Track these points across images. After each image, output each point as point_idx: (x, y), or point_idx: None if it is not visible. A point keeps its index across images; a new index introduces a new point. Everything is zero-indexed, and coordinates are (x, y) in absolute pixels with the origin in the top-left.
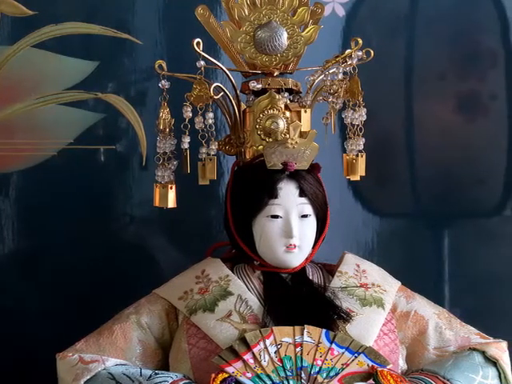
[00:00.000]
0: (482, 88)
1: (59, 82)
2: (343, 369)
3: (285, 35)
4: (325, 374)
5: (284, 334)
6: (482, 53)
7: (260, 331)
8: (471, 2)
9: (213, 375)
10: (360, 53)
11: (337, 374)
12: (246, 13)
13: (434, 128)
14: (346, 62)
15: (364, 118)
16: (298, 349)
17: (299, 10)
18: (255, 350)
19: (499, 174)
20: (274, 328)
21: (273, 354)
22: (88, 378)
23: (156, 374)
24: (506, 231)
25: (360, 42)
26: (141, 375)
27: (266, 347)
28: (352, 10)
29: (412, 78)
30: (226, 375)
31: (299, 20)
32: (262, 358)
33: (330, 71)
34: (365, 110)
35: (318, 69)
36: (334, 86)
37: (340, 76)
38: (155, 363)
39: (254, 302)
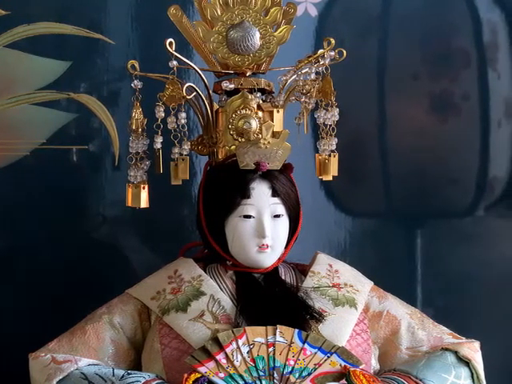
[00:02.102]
0: (455, 88)
1: (31, 82)
2: (316, 369)
3: (257, 35)
4: (297, 374)
5: (256, 334)
6: (454, 53)
7: (232, 331)
8: (444, 2)
9: (185, 375)
10: (332, 53)
11: (309, 374)
12: (219, 13)
13: (407, 128)
14: (319, 61)
15: (337, 117)
16: (270, 349)
17: (272, 10)
18: (228, 349)
19: (472, 175)
20: (246, 328)
21: (245, 354)
22: (60, 377)
23: (129, 373)
24: (479, 231)
25: (332, 41)
26: (113, 375)
27: (238, 347)
28: (324, 10)
29: (385, 78)
30: (199, 375)
31: (272, 20)
32: (235, 357)
33: (303, 71)
34: (337, 109)
35: (291, 69)
36: (307, 86)
37: (312, 76)
38: (128, 363)
39: (226, 302)
